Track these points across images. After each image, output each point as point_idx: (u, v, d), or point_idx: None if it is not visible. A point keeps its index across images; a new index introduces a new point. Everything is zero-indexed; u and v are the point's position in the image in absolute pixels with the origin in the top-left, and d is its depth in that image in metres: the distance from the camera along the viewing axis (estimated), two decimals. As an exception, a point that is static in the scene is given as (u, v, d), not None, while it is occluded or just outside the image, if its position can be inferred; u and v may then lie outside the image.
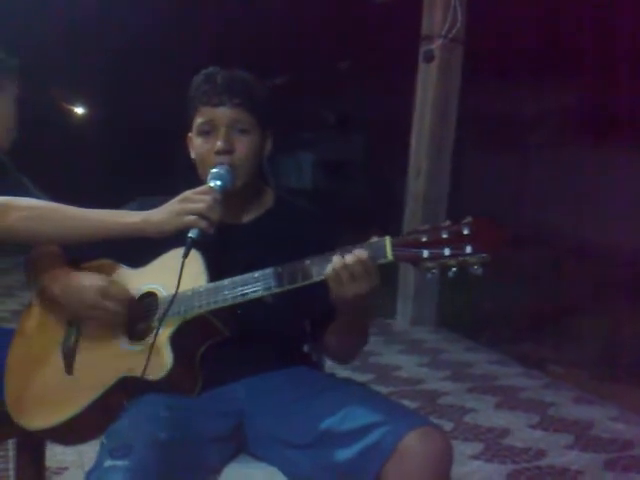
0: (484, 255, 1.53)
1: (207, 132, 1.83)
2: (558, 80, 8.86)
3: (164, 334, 1.71)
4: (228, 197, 1.78)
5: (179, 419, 1.67)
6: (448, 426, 3.60)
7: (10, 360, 1.93)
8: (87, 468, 1.59)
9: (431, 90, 5.46)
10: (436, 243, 1.55)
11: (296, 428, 1.71)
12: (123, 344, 1.78)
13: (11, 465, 2.39)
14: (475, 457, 3.27)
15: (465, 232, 1.54)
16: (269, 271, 1.66)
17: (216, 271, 1.73)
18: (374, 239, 1.61)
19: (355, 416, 1.64)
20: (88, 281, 1.78)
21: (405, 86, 5.90)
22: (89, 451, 1.79)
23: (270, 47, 9.28)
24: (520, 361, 4.84)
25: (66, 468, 2.93)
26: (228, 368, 1.78)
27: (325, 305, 1.72)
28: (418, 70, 5.54)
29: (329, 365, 2.03)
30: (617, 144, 8.12)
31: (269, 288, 1.66)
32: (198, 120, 1.84)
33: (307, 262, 1.63)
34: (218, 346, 1.76)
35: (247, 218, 1.91)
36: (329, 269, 1.60)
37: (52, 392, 1.83)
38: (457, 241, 1.54)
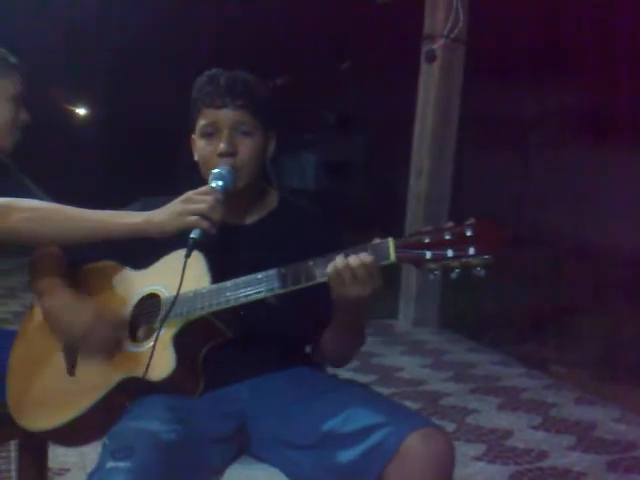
0: (487, 256, 1.52)
1: (210, 134, 1.83)
2: (559, 80, 8.86)
3: (167, 335, 1.71)
4: (231, 198, 1.77)
5: (181, 420, 1.67)
6: (450, 427, 3.59)
7: (12, 361, 1.93)
8: (89, 469, 1.59)
9: (433, 90, 5.45)
10: (439, 244, 1.54)
11: (298, 429, 1.70)
12: (125, 345, 1.78)
13: (13, 466, 2.39)
14: (477, 458, 3.27)
15: (468, 233, 1.53)
16: (273, 272, 1.65)
17: (219, 272, 1.73)
18: (377, 240, 1.60)
19: (357, 417, 1.63)
20: (77, 317, 1.78)
21: (406, 86, 5.91)
22: (91, 452, 1.79)
23: (270, 47, 9.29)
24: (522, 362, 4.84)
25: (68, 469, 2.93)
26: (230, 369, 1.78)
27: (326, 306, 1.72)
28: (420, 70, 5.54)
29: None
30: (617, 144, 8.12)
31: (272, 289, 1.65)
32: (201, 122, 1.84)
33: (310, 263, 1.63)
34: (220, 347, 1.76)
35: (250, 220, 1.91)
36: (331, 269, 1.60)
37: (54, 393, 1.83)
38: (460, 242, 1.53)
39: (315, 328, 1.84)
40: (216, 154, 1.80)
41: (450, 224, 1.56)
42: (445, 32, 5.23)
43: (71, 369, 1.82)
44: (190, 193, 1.69)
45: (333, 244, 1.68)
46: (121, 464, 1.52)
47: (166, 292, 1.77)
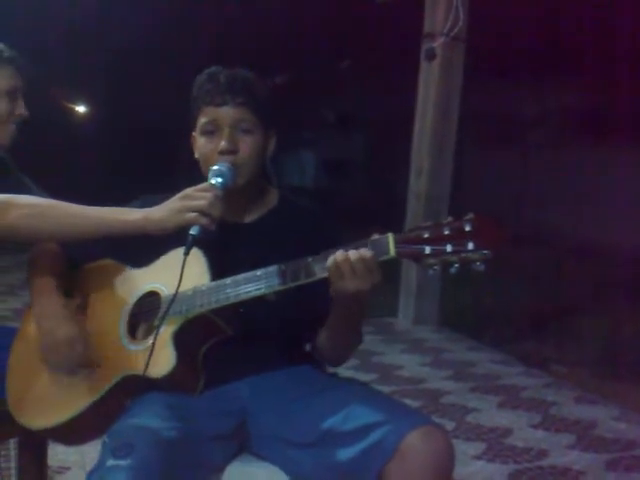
0: (486, 251, 1.52)
1: (211, 132, 1.83)
2: (559, 79, 8.86)
3: (167, 333, 1.71)
4: (231, 196, 1.78)
5: (181, 418, 1.67)
6: (450, 425, 3.59)
7: (12, 359, 1.92)
8: (89, 468, 1.59)
9: (433, 88, 5.45)
10: (438, 239, 1.55)
11: (298, 427, 1.70)
12: (125, 343, 1.78)
13: (13, 464, 2.39)
14: (477, 457, 3.27)
15: (467, 228, 1.53)
16: (272, 269, 1.65)
17: (219, 270, 1.73)
18: (376, 236, 1.61)
19: (357, 415, 1.64)
20: (53, 329, 1.77)
21: (406, 85, 5.90)
22: (91, 451, 1.79)
23: (270, 47, 9.28)
24: (522, 360, 4.84)
25: (68, 468, 2.93)
26: (230, 367, 1.78)
27: (324, 303, 1.72)
28: (420, 68, 5.54)
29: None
30: (617, 144, 8.12)
31: (272, 286, 1.65)
32: (201, 120, 1.84)
33: (310, 260, 1.63)
34: (221, 345, 1.76)
35: (250, 217, 1.91)
36: (331, 262, 1.59)
37: (54, 391, 1.82)
38: (459, 237, 1.53)
39: (312, 324, 1.84)
40: (217, 152, 1.80)
41: (449, 219, 1.56)
42: (445, 30, 5.23)
43: (71, 367, 1.82)
44: (189, 190, 1.69)
45: (332, 242, 1.68)
46: (121, 462, 1.51)
47: (166, 290, 1.77)
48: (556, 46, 8.15)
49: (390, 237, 1.58)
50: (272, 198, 1.95)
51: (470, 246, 1.53)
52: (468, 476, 3.07)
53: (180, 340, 1.71)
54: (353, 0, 8.08)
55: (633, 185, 7.86)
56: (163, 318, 1.68)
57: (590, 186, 8.43)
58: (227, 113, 1.81)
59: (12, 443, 2.35)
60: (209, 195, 1.68)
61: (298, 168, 12.46)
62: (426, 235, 1.56)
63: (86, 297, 1.90)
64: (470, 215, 1.55)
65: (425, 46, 5.37)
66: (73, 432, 1.81)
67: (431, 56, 5.28)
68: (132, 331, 1.80)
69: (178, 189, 1.72)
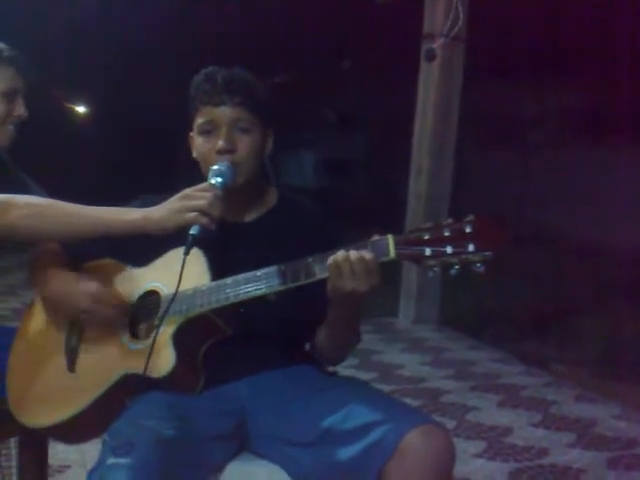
0: (486, 253, 1.52)
1: (208, 132, 1.83)
2: (559, 80, 8.86)
3: (166, 332, 1.71)
4: (230, 196, 1.78)
5: (181, 417, 1.67)
6: (450, 424, 3.59)
7: (12, 358, 1.93)
8: (89, 466, 1.59)
9: (433, 89, 5.46)
10: (438, 241, 1.55)
11: (298, 426, 1.71)
12: (126, 342, 1.79)
13: (14, 463, 2.39)
14: (477, 455, 3.27)
15: (467, 230, 1.54)
16: (272, 269, 1.66)
17: (219, 270, 1.73)
18: (376, 237, 1.61)
19: (357, 414, 1.64)
20: (80, 286, 1.78)
21: (406, 85, 5.90)
22: (92, 450, 1.79)
23: (270, 47, 9.27)
24: (522, 359, 4.84)
25: (69, 466, 2.94)
26: (230, 366, 1.78)
27: (322, 303, 1.72)
28: (420, 69, 5.54)
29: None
30: (617, 144, 8.12)
31: (272, 286, 1.66)
32: (199, 120, 1.84)
33: (310, 260, 1.63)
34: (220, 344, 1.76)
35: (250, 217, 1.91)
36: (331, 260, 1.60)
37: (54, 390, 1.83)
38: (459, 239, 1.54)
39: (312, 325, 1.84)
40: (215, 151, 1.81)
41: (449, 221, 1.56)
42: (445, 31, 5.23)
43: (71, 366, 1.82)
44: (189, 190, 1.70)
45: (332, 241, 1.68)
46: (121, 460, 1.52)
47: (166, 289, 1.77)
48: (556, 46, 8.15)
49: (390, 238, 1.59)
50: (271, 197, 1.95)
51: (470, 248, 1.53)
52: (468, 474, 3.07)
53: (180, 340, 1.71)
54: (353, 0, 8.08)
55: (634, 185, 7.86)
56: (163, 317, 1.68)
57: (591, 186, 8.42)
58: (225, 113, 1.81)
59: (13, 442, 2.35)
60: (209, 195, 1.68)
61: (298, 168, 12.44)
62: (426, 236, 1.56)
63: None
64: (470, 217, 1.55)
65: (425, 47, 5.37)
66: (73, 430, 1.82)
67: (431, 57, 5.28)
68: (132, 330, 1.81)
69: (178, 189, 1.72)
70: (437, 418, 1.81)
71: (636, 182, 7.81)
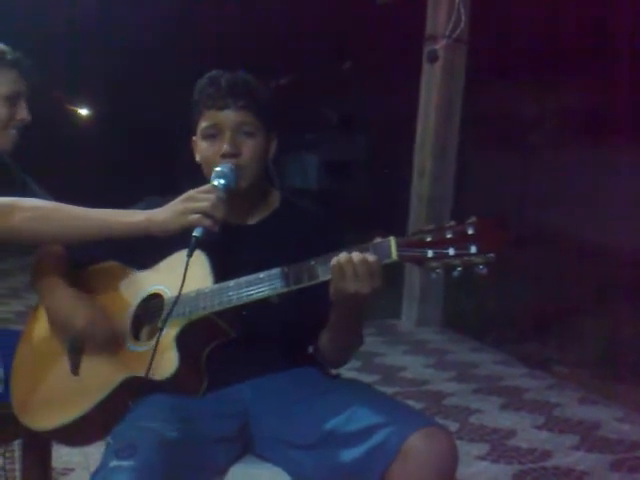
0: (489, 255, 1.52)
1: (212, 135, 1.83)
2: (560, 80, 8.86)
3: (170, 335, 1.71)
4: (234, 199, 1.78)
5: (184, 420, 1.67)
6: (453, 427, 3.59)
7: (16, 361, 1.93)
8: (93, 469, 1.59)
9: (435, 90, 5.45)
10: (441, 243, 1.55)
11: (301, 429, 1.71)
12: (129, 345, 1.79)
13: (17, 466, 2.39)
14: (481, 458, 3.27)
15: (470, 232, 1.53)
16: (275, 272, 1.66)
17: (222, 272, 1.73)
18: (378, 239, 1.61)
19: (360, 417, 1.64)
20: (78, 308, 1.80)
21: (408, 86, 5.90)
22: (95, 452, 1.79)
23: (270, 47, 9.27)
24: (525, 361, 4.83)
25: (72, 469, 2.94)
26: (233, 369, 1.79)
27: (325, 305, 1.72)
28: (422, 70, 5.53)
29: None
30: (617, 144, 8.12)
31: (275, 289, 1.66)
32: (203, 124, 1.84)
33: (312, 262, 1.63)
34: (223, 347, 1.76)
35: (253, 220, 1.91)
36: (334, 262, 1.60)
37: (58, 393, 1.83)
38: (462, 241, 1.54)
39: (315, 327, 1.84)
40: (219, 155, 1.81)
41: (452, 223, 1.56)
42: (447, 32, 5.22)
43: (75, 369, 1.82)
44: (192, 192, 1.70)
45: (335, 244, 1.68)
46: (124, 463, 1.52)
47: (169, 292, 1.77)
48: (557, 47, 8.15)
49: (392, 241, 1.58)
50: (274, 200, 1.95)
51: (473, 249, 1.53)
52: (472, 477, 3.06)
53: (183, 342, 1.71)
54: (354, 1, 8.08)
55: (634, 185, 7.86)
56: (166, 320, 1.68)
57: (592, 186, 8.43)
58: (229, 116, 1.81)
59: (16, 444, 2.35)
60: (212, 197, 1.68)
61: (300, 170, 12.44)
62: (428, 238, 1.56)
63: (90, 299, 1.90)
64: (473, 218, 1.55)
65: (427, 48, 5.37)
66: (77, 433, 1.82)
67: (434, 58, 5.27)
68: (136, 333, 1.81)
69: (179, 190, 1.72)
70: (440, 420, 1.81)
71: (636, 182, 7.81)
